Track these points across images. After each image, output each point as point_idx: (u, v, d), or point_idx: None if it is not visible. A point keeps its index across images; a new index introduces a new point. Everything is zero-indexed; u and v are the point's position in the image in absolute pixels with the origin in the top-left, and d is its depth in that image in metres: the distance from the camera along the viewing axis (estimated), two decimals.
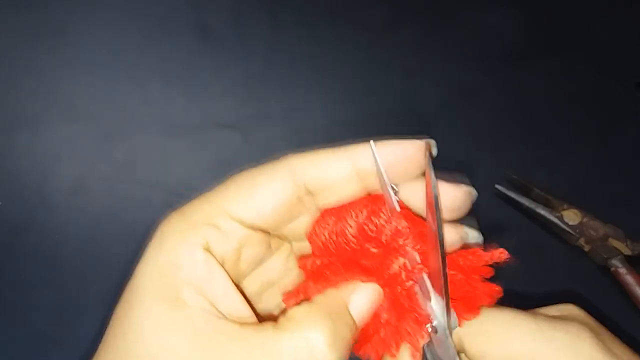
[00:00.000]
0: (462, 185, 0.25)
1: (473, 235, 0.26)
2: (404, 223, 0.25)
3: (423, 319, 0.25)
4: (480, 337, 0.27)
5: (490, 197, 0.56)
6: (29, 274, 0.52)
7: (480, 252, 0.27)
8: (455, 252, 0.26)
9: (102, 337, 0.26)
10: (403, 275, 0.25)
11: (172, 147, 0.58)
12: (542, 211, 0.54)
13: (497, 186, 0.55)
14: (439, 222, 0.22)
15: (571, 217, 0.53)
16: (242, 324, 0.23)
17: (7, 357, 0.49)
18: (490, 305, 0.27)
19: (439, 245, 0.22)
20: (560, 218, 0.53)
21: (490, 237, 0.59)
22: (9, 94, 0.62)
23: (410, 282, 0.25)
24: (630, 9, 0.70)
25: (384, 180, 0.25)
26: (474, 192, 0.26)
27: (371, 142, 0.25)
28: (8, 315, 0.50)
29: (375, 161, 0.24)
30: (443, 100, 0.63)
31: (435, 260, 0.24)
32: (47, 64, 0.64)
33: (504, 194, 0.55)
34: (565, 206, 0.54)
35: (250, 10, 0.68)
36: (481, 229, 0.26)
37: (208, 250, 0.24)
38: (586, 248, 0.52)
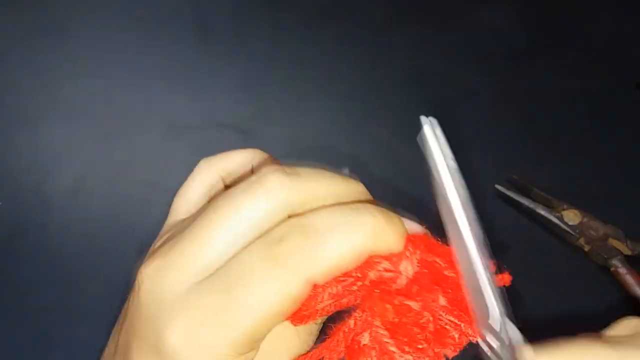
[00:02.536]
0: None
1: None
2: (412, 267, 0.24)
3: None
4: None
5: (490, 197, 0.56)
6: (29, 274, 0.52)
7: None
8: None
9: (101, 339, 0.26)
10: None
11: (172, 147, 0.58)
12: (542, 211, 0.54)
13: (497, 186, 0.55)
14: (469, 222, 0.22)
15: (571, 217, 0.53)
16: None
17: (7, 357, 0.49)
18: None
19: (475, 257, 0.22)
20: (560, 218, 0.53)
21: (490, 237, 0.58)
22: (9, 94, 0.62)
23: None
24: (630, 9, 0.70)
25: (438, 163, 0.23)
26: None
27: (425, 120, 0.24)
28: (8, 315, 0.50)
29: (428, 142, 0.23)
30: (443, 100, 0.63)
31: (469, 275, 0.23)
32: (47, 64, 0.64)
33: (504, 194, 0.55)
34: (565, 206, 0.54)
35: (250, 10, 0.69)
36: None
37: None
38: (586, 248, 0.52)
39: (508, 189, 0.55)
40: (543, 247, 0.54)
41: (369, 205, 0.25)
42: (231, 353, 0.23)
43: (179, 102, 0.62)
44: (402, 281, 0.24)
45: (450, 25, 0.69)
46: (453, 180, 0.23)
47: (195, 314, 0.23)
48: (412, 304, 0.24)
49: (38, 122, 0.60)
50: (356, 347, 0.24)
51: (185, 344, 0.23)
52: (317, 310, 0.24)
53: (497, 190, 0.55)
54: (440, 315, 0.24)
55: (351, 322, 0.24)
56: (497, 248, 0.56)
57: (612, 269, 0.51)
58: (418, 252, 0.24)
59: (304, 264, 0.23)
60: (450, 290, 0.24)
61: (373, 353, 0.24)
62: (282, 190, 0.24)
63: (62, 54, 0.64)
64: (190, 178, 0.31)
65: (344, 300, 0.25)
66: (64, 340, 0.49)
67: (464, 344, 0.24)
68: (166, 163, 0.57)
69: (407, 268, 0.24)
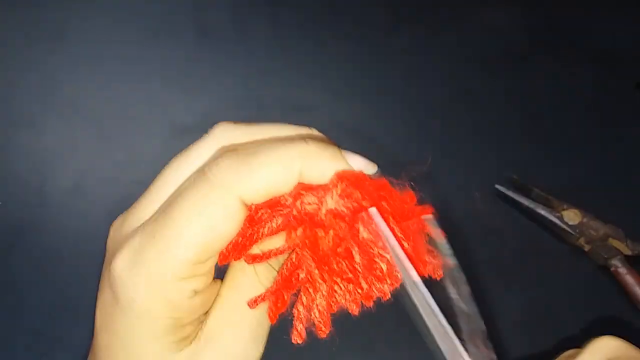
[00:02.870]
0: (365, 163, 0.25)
1: (367, 167, 0.25)
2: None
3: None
4: None
5: (490, 197, 0.56)
6: (29, 274, 0.52)
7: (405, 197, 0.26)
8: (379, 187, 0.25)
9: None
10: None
11: (172, 147, 0.58)
12: (542, 211, 0.54)
13: (497, 186, 0.55)
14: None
15: (571, 217, 0.53)
16: None
17: (7, 357, 0.49)
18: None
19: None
20: (560, 218, 0.53)
21: (491, 237, 0.59)
22: (9, 94, 0.62)
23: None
24: (630, 9, 0.70)
25: (392, 247, 0.24)
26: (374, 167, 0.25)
27: (374, 209, 0.24)
28: (8, 315, 0.50)
29: (378, 227, 0.23)
30: (443, 100, 0.63)
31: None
32: (47, 64, 0.64)
33: (504, 194, 0.55)
34: (565, 206, 0.54)
35: (250, 10, 0.69)
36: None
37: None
38: (586, 248, 0.52)
39: (508, 189, 0.55)
40: (543, 247, 0.54)
41: (306, 137, 0.25)
42: (172, 275, 0.23)
43: (179, 102, 0.62)
44: (321, 215, 0.24)
45: (450, 25, 0.69)
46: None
47: (137, 242, 0.24)
48: (325, 235, 0.24)
49: (38, 122, 0.60)
50: (294, 280, 0.25)
51: (129, 271, 0.23)
52: (265, 246, 0.24)
53: (497, 190, 0.55)
54: (369, 247, 0.24)
55: (293, 256, 0.25)
56: (497, 248, 0.56)
57: (612, 269, 0.51)
58: (341, 185, 0.24)
59: (234, 180, 0.23)
60: (373, 225, 0.24)
61: (307, 286, 0.24)
62: (225, 132, 0.25)
63: (62, 54, 0.64)
64: (198, 142, 0.27)
65: (287, 237, 0.25)
66: (64, 340, 0.49)
67: (396, 278, 0.24)
68: (166, 163, 0.57)
69: (327, 201, 0.24)
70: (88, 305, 0.50)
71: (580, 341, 0.42)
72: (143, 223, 0.25)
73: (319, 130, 0.27)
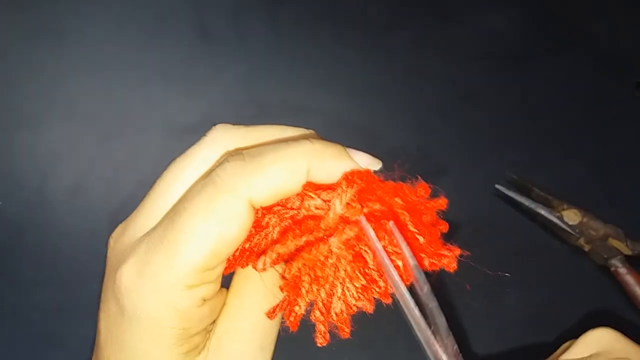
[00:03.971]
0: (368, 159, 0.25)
1: (369, 163, 0.25)
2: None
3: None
4: None
5: (490, 197, 0.56)
6: (29, 274, 0.52)
7: (418, 193, 0.25)
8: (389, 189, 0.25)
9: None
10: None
11: (172, 147, 0.58)
12: (542, 211, 0.54)
13: (497, 186, 0.55)
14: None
15: (571, 217, 0.53)
16: None
17: (7, 357, 0.49)
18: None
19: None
20: (560, 218, 0.53)
21: (491, 237, 0.59)
22: (9, 94, 0.62)
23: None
24: (630, 9, 0.70)
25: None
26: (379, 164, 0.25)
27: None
28: (8, 315, 0.50)
29: (366, 234, 0.24)
30: (443, 100, 0.63)
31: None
32: (47, 64, 0.64)
33: (504, 194, 0.55)
34: (565, 206, 0.54)
35: (250, 10, 0.69)
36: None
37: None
38: (586, 248, 0.52)
39: (508, 189, 0.55)
40: (543, 247, 0.54)
41: (310, 137, 0.25)
42: (181, 283, 0.22)
43: (179, 102, 0.62)
44: (328, 219, 0.24)
45: (450, 25, 0.69)
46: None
47: (143, 249, 0.23)
48: (334, 240, 0.24)
49: (38, 122, 0.60)
50: (304, 287, 0.24)
51: (136, 279, 0.23)
52: (273, 250, 0.24)
53: (497, 190, 0.55)
54: (384, 246, 0.24)
55: (300, 262, 0.24)
56: (497, 248, 0.56)
57: (612, 269, 0.51)
58: (350, 190, 0.24)
59: (242, 182, 0.22)
60: (385, 221, 0.24)
61: (322, 290, 0.24)
62: (225, 134, 0.25)
63: (62, 54, 0.64)
64: (198, 145, 0.27)
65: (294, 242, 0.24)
66: (64, 340, 0.49)
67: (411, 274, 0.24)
68: (166, 163, 0.57)
69: (336, 205, 0.24)
70: (88, 305, 0.50)
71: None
72: (149, 231, 0.24)
73: (319, 130, 0.27)
